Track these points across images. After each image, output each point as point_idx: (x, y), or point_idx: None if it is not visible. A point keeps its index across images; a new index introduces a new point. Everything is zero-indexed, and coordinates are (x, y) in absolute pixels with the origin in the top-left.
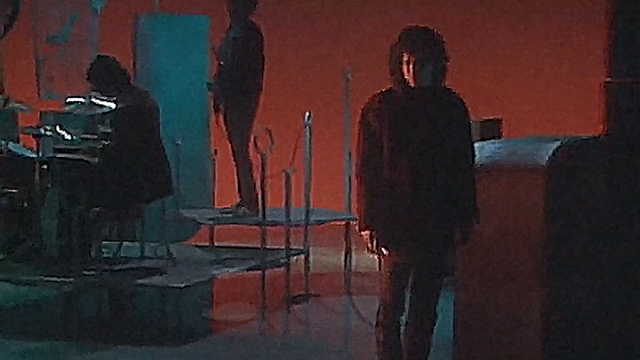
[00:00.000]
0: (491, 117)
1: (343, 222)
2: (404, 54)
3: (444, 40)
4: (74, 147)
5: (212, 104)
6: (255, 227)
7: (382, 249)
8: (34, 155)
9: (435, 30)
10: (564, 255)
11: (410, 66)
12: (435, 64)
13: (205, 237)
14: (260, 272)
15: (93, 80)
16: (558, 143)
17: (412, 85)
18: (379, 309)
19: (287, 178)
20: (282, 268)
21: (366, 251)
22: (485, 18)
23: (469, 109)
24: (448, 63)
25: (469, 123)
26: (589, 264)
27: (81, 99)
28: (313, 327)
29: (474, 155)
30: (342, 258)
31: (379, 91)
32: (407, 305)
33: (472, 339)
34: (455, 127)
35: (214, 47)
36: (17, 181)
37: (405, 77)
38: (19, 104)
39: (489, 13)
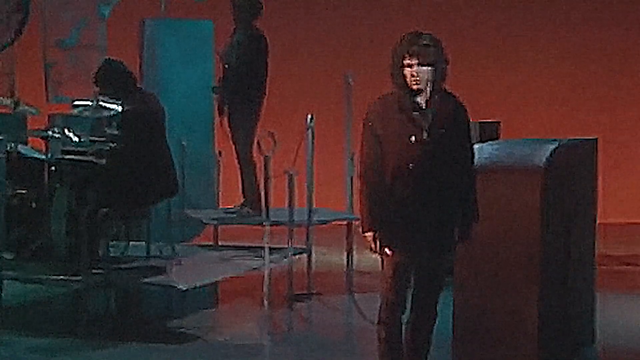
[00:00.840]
0: (490, 120)
1: (345, 222)
2: (405, 57)
3: (443, 44)
4: (81, 149)
5: (216, 107)
6: (258, 227)
7: (386, 249)
8: (42, 157)
9: (434, 34)
10: (560, 254)
11: (411, 70)
12: (436, 67)
13: (210, 237)
14: (263, 271)
15: (100, 83)
16: (555, 145)
17: (414, 88)
18: (380, 307)
19: (290, 179)
20: (285, 267)
21: (369, 251)
22: (485, 21)
23: (468, 111)
24: (447, 66)
25: (469, 125)
26: (585, 263)
27: (89, 102)
28: (316, 325)
29: (473, 157)
30: (344, 257)
31: (381, 95)
32: (408, 304)
33: (470, 337)
34: (455, 129)
35: (218, 52)
36: (27, 182)
37: (407, 80)
38: (28, 107)
39: (489, 16)
